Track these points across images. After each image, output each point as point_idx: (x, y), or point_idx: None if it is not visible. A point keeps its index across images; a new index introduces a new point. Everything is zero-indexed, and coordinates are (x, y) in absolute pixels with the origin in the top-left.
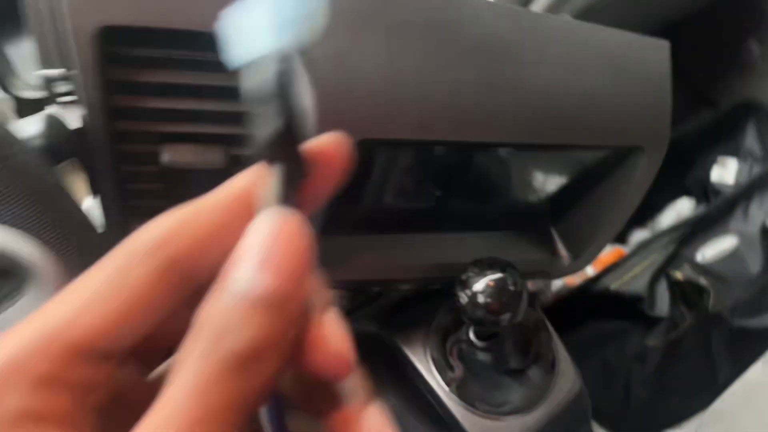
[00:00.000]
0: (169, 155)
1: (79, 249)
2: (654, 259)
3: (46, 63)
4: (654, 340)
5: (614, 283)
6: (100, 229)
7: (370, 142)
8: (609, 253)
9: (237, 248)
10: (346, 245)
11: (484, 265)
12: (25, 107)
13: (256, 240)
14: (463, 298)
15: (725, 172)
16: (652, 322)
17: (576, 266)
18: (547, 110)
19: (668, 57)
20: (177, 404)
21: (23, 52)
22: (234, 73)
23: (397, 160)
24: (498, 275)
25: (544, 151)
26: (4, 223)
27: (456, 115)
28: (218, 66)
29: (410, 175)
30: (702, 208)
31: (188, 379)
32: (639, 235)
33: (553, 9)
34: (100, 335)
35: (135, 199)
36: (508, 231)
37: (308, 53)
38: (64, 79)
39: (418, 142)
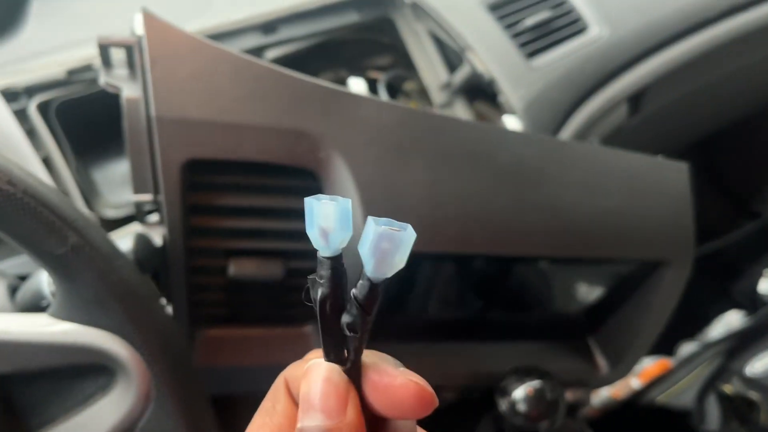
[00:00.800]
0: (234, 268)
1: (162, 351)
2: (701, 371)
3: (138, 189)
4: None
5: (661, 396)
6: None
7: (415, 255)
8: (655, 365)
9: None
10: (390, 353)
11: (522, 373)
12: (106, 226)
13: (304, 389)
14: (503, 405)
15: None
16: None
17: (614, 376)
18: (574, 227)
19: (687, 177)
20: None
21: (106, 176)
22: (294, 196)
23: (440, 272)
24: (536, 383)
25: (573, 265)
26: (104, 327)
27: (490, 231)
28: (280, 190)
29: (453, 286)
30: (750, 320)
31: None
32: (688, 349)
33: (581, 134)
34: None
35: (201, 307)
36: (547, 341)
37: (363, 179)
38: (152, 203)
39: (457, 255)
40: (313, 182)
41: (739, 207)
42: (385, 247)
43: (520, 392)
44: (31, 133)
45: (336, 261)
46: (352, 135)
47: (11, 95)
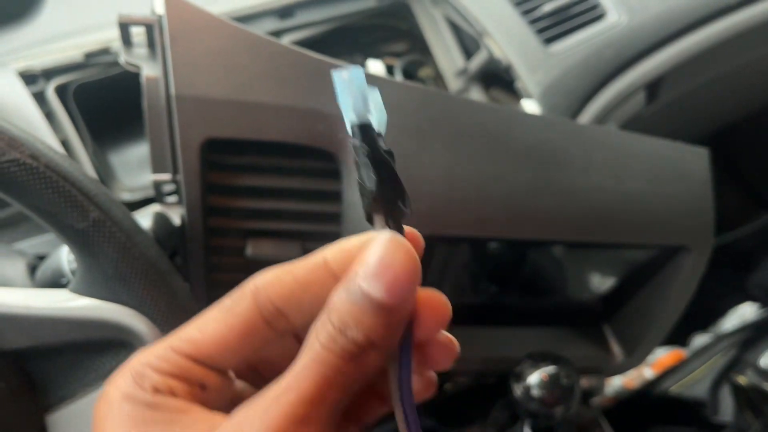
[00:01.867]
0: (252, 249)
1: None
2: (715, 362)
3: (157, 168)
4: None
5: (674, 387)
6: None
7: (430, 238)
8: (668, 355)
9: (364, 252)
10: None
11: (537, 358)
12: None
13: (379, 250)
14: (517, 390)
15: None
16: (715, 428)
17: (629, 364)
18: (594, 211)
19: (708, 163)
20: (300, 376)
21: (122, 159)
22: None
23: (455, 257)
24: (551, 368)
25: (593, 249)
26: (124, 302)
27: (509, 214)
28: (299, 171)
29: (467, 271)
30: (765, 312)
31: (312, 357)
32: (701, 340)
33: (598, 120)
34: (204, 351)
35: (219, 288)
36: (562, 327)
37: None
38: (170, 183)
39: (474, 238)
40: (332, 163)
41: (756, 199)
42: (353, 89)
43: (534, 377)
44: (49, 115)
45: (369, 130)
46: None
47: (30, 77)
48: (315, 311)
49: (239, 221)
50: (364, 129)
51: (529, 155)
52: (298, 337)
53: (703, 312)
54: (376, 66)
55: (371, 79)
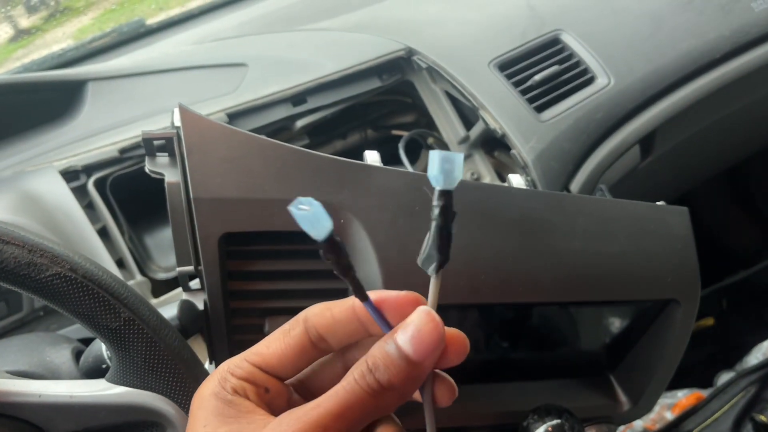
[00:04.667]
0: (270, 326)
1: None
2: (737, 402)
3: (181, 262)
4: None
5: (696, 429)
6: None
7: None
8: (687, 397)
9: (408, 319)
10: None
11: (542, 412)
12: (159, 287)
13: (417, 320)
14: None
15: None
16: None
17: (637, 412)
18: (580, 273)
19: (688, 220)
20: (330, 397)
21: (156, 241)
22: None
23: (466, 320)
24: (556, 421)
25: (582, 308)
26: (153, 389)
27: (499, 281)
28: (308, 254)
29: (479, 331)
30: None
31: (343, 387)
32: (725, 378)
33: (593, 180)
34: (269, 362)
35: None
36: (568, 378)
37: (379, 240)
38: (194, 275)
39: (469, 305)
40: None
41: None
42: (447, 166)
43: (540, 431)
44: (90, 206)
45: (449, 195)
46: (367, 202)
47: (72, 174)
48: (346, 339)
49: (257, 302)
50: (445, 194)
51: (516, 226)
52: (344, 364)
53: (727, 349)
54: (372, 155)
55: (366, 175)
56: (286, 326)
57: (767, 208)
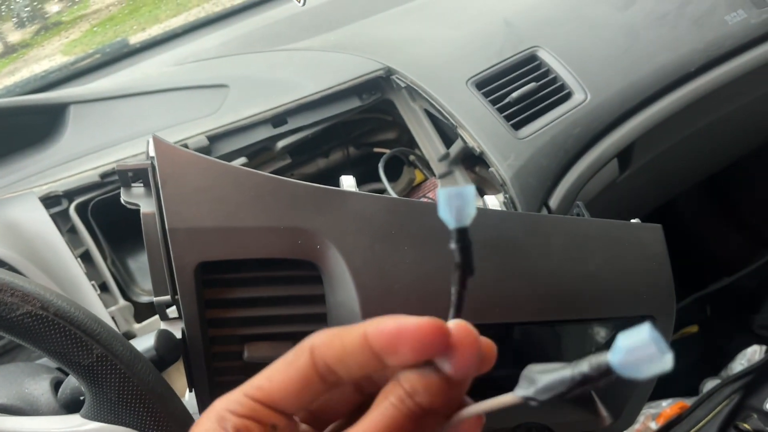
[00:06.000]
0: (249, 352)
1: None
2: (721, 410)
3: (158, 291)
4: None
5: None
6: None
7: None
8: (671, 406)
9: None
10: None
11: (523, 430)
12: (143, 310)
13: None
14: None
15: None
16: None
17: (619, 426)
18: (556, 293)
19: (662, 237)
20: (368, 426)
21: (139, 264)
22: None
23: None
24: None
25: (560, 326)
26: (128, 424)
27: (476, 302)
28: (285, 280)
29: None
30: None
31: (382, 413)
32: (711, 385)
33: (572, 195)
34: (272, 397)
35: (221, 390)
36: None
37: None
38: (171, 304)
39: None
40: (313, 271)
41: (757, 239)
42: (457, 203)
43: None
44: (72, 230)
45: (465, 231)
46: (343, 227)
47: (54, 199)
48: (357, 372)
49: (236, 329)
50: (461, 232)
51: (491, 247)
52: (356, 386)
53: (712, 356)
54: (348, 180)
55: (341, 200)
56: (289, 356)
57: (748, 215)
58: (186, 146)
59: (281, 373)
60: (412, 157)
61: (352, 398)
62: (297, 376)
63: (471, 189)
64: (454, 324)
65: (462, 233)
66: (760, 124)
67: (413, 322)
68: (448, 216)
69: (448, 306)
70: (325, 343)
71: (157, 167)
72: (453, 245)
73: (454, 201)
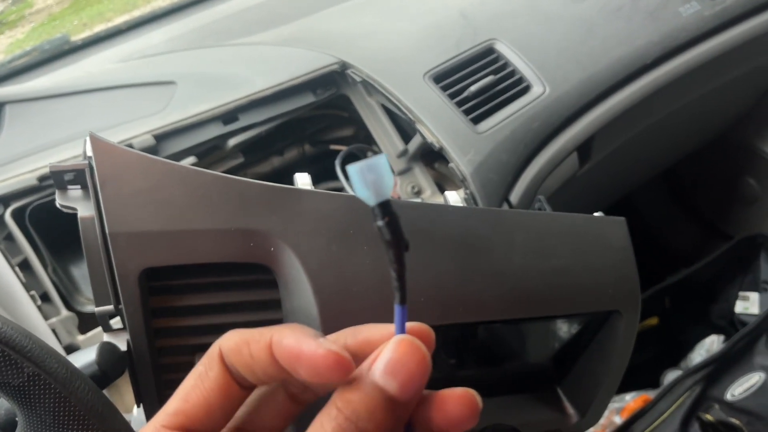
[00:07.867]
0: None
1: None
2: (683, 402)
3: (100, 302)
4: None
5: (645, 431)
6: None
7: None
8: (635, 399)
9: (378, 353)
10: None
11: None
12: (88, 321)
13: (395, 350)
14: None
15: (749, 304)
16: None
17: (586, 423)
18: (521, 289)
19: (626, 231)
20: None
21: (84, 273)
22: (251, 290)
23: None
24: None
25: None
26: None
27: (439, 303)
28: (238, 285)
29: None
30: (728, 344)
31: None
32: (672, 376)
33: (533, 189)
34: (194, 418)
35: None
36: (517, 394)
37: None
38: (114, 314)
39: None
40: (268, 275)
41: (712, 231)
42: (371, 177)
43: None
44: (9, 238)
45: (387, 204)
46: (298, 227)
47: None
48: (267, 381)
49: (186, 339)
50: (383, 206)
51: (453, 245)
52: (289, 395)
53: (672, 348)
54: (302, 178)
55: (295, 199)
56: (199, 368)
57: (704, 207)
58: (131, 146)
59: (197, 389)
60: (369, 154)
61: (287, 408)
62: (214, 387)
63: (382, 158)
64: (400, 340)
65: (385, 207)
66: (715, 115)
67: (310, 347)
68: (365, 193)
69: (410, 309)
70: (233, 350)
71: (95, 167)
72: (379, 222)
73: (368, 175)
